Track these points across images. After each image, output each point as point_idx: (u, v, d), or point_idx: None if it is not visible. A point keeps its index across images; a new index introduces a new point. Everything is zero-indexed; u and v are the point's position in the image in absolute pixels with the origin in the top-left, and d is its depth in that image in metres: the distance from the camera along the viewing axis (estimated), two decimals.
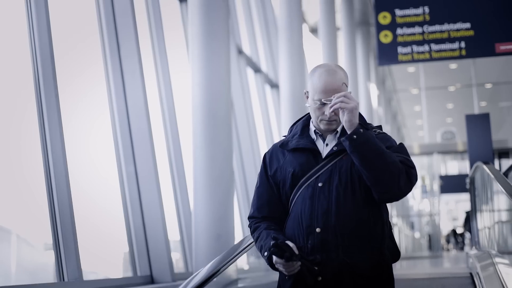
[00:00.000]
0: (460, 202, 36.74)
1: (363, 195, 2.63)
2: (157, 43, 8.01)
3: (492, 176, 6.59)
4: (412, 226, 27.95)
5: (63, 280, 5.31)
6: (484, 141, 11.48)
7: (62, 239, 5.33)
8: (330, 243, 2.58)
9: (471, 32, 10.28)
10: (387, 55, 10.57)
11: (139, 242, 6.60)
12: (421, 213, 30.12)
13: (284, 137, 2.84)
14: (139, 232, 6.63)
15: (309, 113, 2.77)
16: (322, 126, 2.67)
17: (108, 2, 6.89)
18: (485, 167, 7.27)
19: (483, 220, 8.38)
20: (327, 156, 2.67)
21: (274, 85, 13.96)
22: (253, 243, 4.09)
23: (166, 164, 7.72)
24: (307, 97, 2.70)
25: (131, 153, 6.73)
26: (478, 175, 8.70)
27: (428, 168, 26.04)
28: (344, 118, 2.54)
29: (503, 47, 10.27)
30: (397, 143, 2.73)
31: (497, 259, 5.98)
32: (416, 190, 25.27)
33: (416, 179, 2.64)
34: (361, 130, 2.54)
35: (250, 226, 2.81)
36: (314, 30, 19.74)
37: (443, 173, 29.84)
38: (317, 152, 2.70)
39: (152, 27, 7.98)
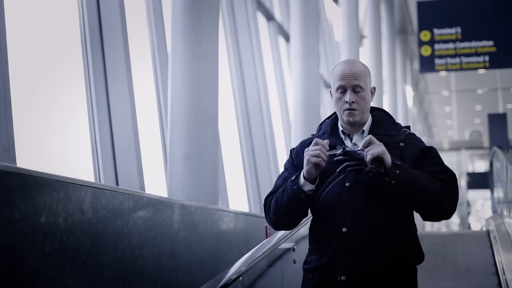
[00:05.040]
0: (488, 201, 36.67)
1: (391, 196, 2.50)
2: (258, 58, 10.88)
3: (503, 155, 9.41)
4: None
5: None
6: (502, 134, 14.30)
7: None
8: (356, 243, 2.51)
9: (494, 49, 12.97)
10: (426, 65, 13.37)
11: (254, 194, 9.53)
12: None
13: (313, 136, 2.76)
14: (254, 188, 9.56)
15: (336, 112, 2.69)
16: (345, 118, 2.58)
17: (234, 35, 9.85)
18: (499, 150, 10.09)
19: (498, 192, 11.08)
20: None
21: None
22: None
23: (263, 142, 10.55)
24: (332, 95, 2.64)
25: (249, 134, 9.69)
26: (495, 158, 11.46)
27: (457, 165, 28.09)
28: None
29: None
30: (427, 145, 2.64)
31: (506, 219, 8.51)
32: None
33: (458, 198, 2.54)
34: (398, 171, 2.43)
35: (265, 202, 2.68)
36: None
37: (470, 170, 31.90)
38: None
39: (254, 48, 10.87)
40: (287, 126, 11.63)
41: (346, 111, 2.55)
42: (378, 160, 2.40)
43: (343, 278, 2.51)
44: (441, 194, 2.47)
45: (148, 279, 4.06)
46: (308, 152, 2.47)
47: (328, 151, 2.47)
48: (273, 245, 3.91)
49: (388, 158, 2.41)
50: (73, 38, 5.77)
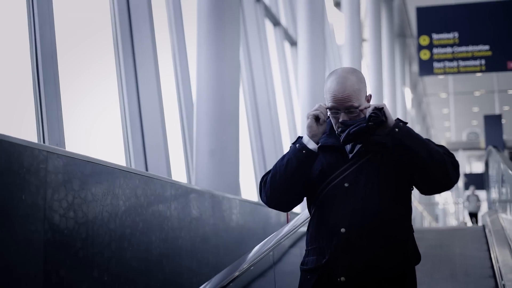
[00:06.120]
0: (485, 202, 36.42)
1: (390, 196, 2.56)
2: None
3: (497, 154, 9.98)
4: (436, 219, 30.62)
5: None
6: (497, 135, 14.94)
7: None
8: (355, 243, 2.52)
9: (489, 53, 13.51)
10: (425, 68, 13.94)
11: None
12: (446, 206, 32.53)
13: None
14: None
15: None
16: (339, 132, 2.60)
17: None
18: (493, 149, 10.68)
19: (493, 191, 11.60)
20: (354, 156, 2.61)
21: None
22: None
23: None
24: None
25: (259, 133, 10.30)
26: (490, 157, 12.01)
27: None
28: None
29: None
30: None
31: (500, 214, 8.94)
32: None
33: (459, 171, 2.57)
34: (401, 123, 2.50)
35: (262, 179, 2.70)
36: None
37: (467, 171, 32.39)
38: (344, 152, 2.64)
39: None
40: (292, 123, 12.30)
41: (340, 129, 2.59)
42: (379, 109, 2.49)
43: (342, 279, 2.52)
44: (444, 157, 2.52)
45: (186, 258, 4.65)
46: (309, 111, 2.59)
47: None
48: (291, 228, 4.48)
49: (389, 112, 2.49)
50: (107, 51, 6.36)
